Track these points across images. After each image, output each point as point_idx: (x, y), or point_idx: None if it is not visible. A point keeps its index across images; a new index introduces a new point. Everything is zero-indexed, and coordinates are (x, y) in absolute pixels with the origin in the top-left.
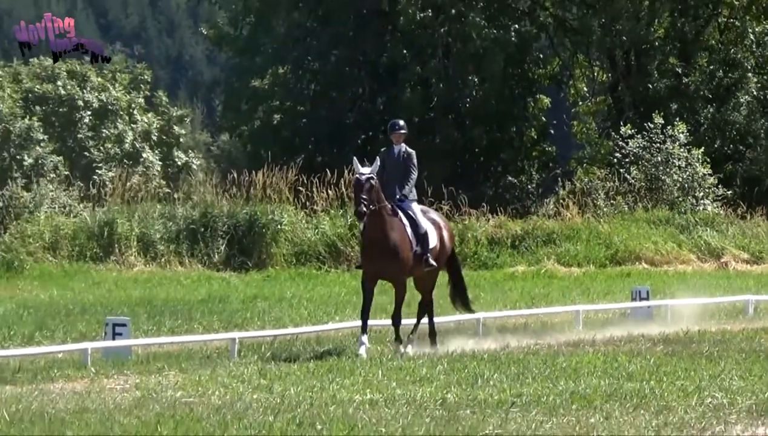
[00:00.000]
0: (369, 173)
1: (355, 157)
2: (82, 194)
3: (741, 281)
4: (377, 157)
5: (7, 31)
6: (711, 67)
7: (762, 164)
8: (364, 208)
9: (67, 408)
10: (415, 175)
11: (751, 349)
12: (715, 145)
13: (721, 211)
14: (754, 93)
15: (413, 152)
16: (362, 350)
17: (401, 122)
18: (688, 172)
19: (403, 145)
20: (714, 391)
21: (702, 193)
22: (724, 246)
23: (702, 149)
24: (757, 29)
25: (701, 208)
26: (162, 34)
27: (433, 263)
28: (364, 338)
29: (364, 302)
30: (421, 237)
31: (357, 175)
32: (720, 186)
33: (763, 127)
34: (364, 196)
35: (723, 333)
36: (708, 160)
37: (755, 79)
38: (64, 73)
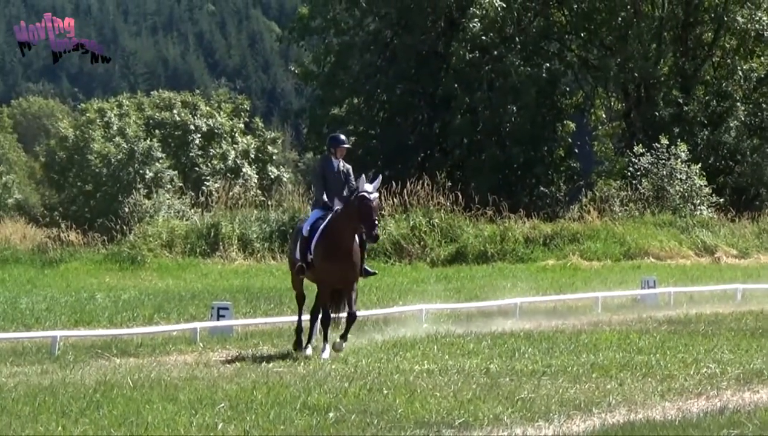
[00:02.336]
0: (376, 193)
1: (363, 175)
2: (192, 202)
3: (731, 272)
4: (379, 175)
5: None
6: (707, 97)
7: (748, 177)
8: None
9: (180, 376)
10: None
11: (739, 328)
12: (710, 162)
13: (715, 216)
14: (742, 118)
15: (350, 167)
16: (309, 351)
17: (344, 137)
18: (687, 184)
19: (342, 159)
20: (708, 362)
21: (699, 201)
22: (717, 244)
23: (699, 165)
24: (744, 67)
25: (698, 213)
26: (258, 71)
27: (373, 271)
28: (309, 349)
29: (324, 310)
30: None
31: (368, 197)
32: (714, 195)
33: (749, 147)
34: (377, 219)
35: (716, 315)
36: (704, 173)
37: (743, 108)
38: (179, 103)
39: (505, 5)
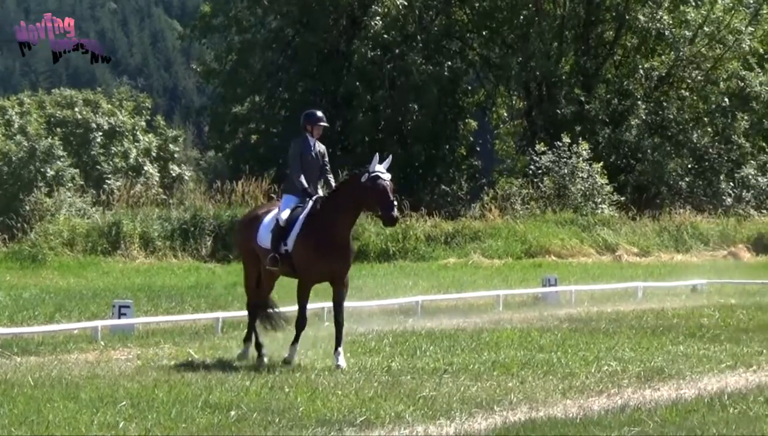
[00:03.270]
0: (389, 174)
1: (377, 154)
2: (94, 200)
3: (632, 270)
4: (389, 155)
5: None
6: (608, 96)
7: (649, 175)
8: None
9: (81, 375)
10: (331, 174)
11: (640, 326)
12: (611, 160)
13: (616, 214)
14: (643, 117)
15: (325, 148)
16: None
17: (320, 113)
18: (589, 182)
19: (317, 140)
20: (610, 360)
21: (600, 199)
22: (618, 242)
23: (600, 163)
24: (645, 65)
25: (599, 211)
26: (160, 69)
27: None
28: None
29: (304, 312)
30: None
31: (382, 177)
32: (615, 193)
33: (650, 145)
34: (395, 200)
35: (617, 313)
36: (605, 172)
37: (643, 106)
38: (80, 101)
39: (406, 3)
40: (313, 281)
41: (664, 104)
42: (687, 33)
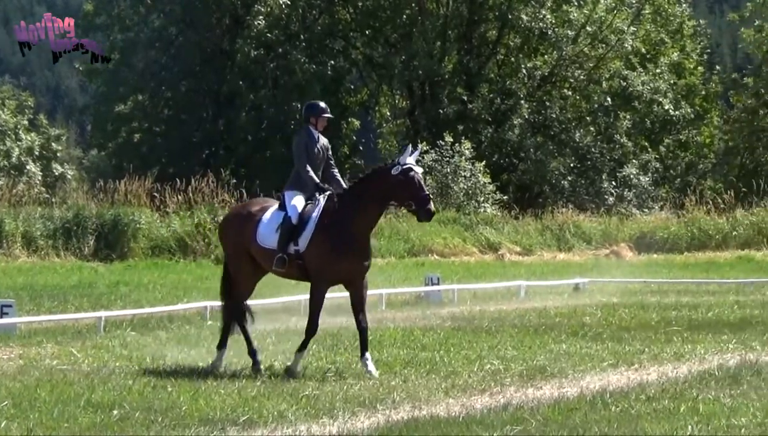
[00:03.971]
0: (420, 167)
1: (410, 145)
2: None
3: (514, 269)
4: (416, 146)
5: None
6: (491, 95)
7: (532, 175)
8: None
9: None
10: (336, 169)
11: (523, 324)
12: (494, 159)
13: (498, 213)
14: (526, 116)
15: (328, 142)
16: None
17: (324, 105)
18: (472, 181)
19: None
20: (492, 359)
21: (483, 198)
22: (501, 241)
23: (483, 162)
24: (528, 65)
25: (482, 210)
26: (43, 68)
27: None
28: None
29: (317, 318)
30: None
31: (415, 169)
32: (497, 192)
33: (533, 145)
34: (429, 192)
35: (500, 312)
36: (488, 171)
37: (526, 106)
38: None
39: (290, 3)
40: (328, 284)
41: (547, 104)
42: (570, 32)
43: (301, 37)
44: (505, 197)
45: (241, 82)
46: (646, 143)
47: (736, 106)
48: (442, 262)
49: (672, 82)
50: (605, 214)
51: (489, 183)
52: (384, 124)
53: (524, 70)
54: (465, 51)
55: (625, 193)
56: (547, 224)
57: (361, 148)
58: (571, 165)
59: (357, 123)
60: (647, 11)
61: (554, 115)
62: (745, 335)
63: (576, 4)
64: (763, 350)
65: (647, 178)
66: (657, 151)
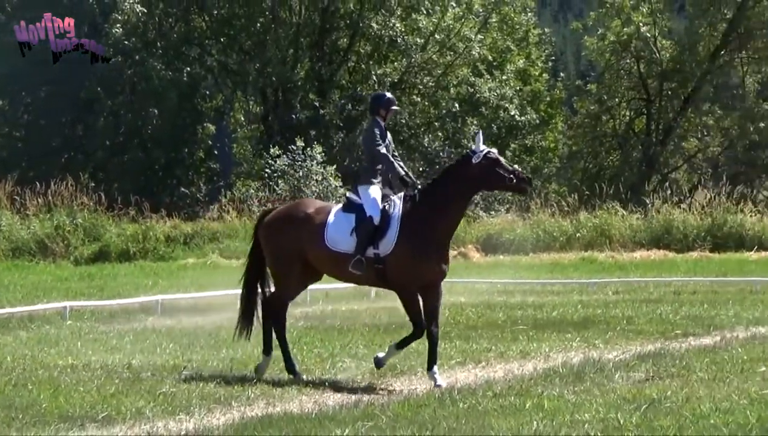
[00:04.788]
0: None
1: (480, 132)
2: None
3: None
4: (479, 130)
5: None
6: (342, 101)
7: None
8: None
9: None
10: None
11: (374, 323)
12: (345, 163)
13: None
14: None
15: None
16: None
17: (391, 95)
18: (323, 185)
19: None
20: (344, 357)
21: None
22: None
23: (335, 166)
24: (378, 71)
25: None
26: None
27: None
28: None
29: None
30: None
31: (492, 150)
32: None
33: None
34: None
35: (351, 311)
36: (339, 175)
37: None
38: None
39: (146, 11)
40: (416, 288)
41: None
42: (419, 40)
43: (158, 44)
44: None
45: (99, 89)
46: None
47: (579, 112)
48: None
49: (518, 88)
50: None
51: (340, 186)
52: (238, 129)
53: (374, 77)
54: (317, 58)
55: None
56: None
57: (216, 152)
58: (420, 169)
59: (212, 128)
60: (494, 20)
61: (403, 121)
62: (588, 334)
63: (425, 12)
64: (605, 347)
65: None
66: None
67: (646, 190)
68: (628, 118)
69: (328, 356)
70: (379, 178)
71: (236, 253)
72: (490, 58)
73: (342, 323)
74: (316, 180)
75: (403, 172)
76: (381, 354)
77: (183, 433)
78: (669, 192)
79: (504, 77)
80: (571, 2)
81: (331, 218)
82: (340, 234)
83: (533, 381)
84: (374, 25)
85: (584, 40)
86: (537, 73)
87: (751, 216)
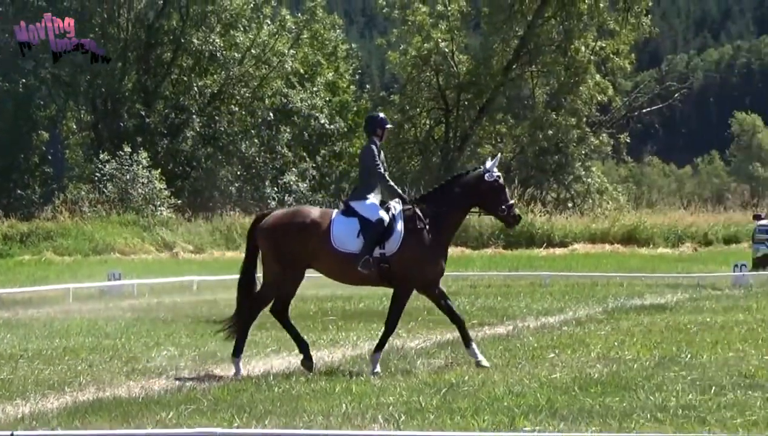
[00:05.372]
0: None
1: (499, 154)
2: None
3: (188, 266)
4: (498, 154)
5: None
6: (166, 110)
7: (203, 181)
8: None
9: None
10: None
11: (196, 315)
12: (169, 168)
13: (173, 215)
14: (198, 129)
15: None
16: None
17: (384, 115)
18: (149, 187)
19: None
20: (169, 346)
21: (159, 202)
22: (175, 241)
23: (159, 170)
24: (199, 83)
25: (159, 213)
26: None
27: None
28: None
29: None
30: None
31: (499, 177)
32: (172, 197)
33: (204, 154)
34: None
35: (175, 304)
36: (164, 178)
37: (198, 120)
38: None
39: None
40: (414, 288)
41: (216, 118)
42: (237, 55)
43: None
44: (179, 202)
45: None
46: (305, 154)
47: None
48: (123, 259)
49: (327, 99)
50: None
51: (164, 189)
52: (71, 136)
53: (196, 88)
54: (143, 71)
55: (285, 197)
56: (216, 226)
57: (50, 157)
58: (238, 173)
59: (46, 135)
60: (305, 36)
61: (223, 129)
62: None
63: (242, 29)
64: (407, 336)
65: (305, 185)
66: (314, 160)
67: None
68: (428, 126)
69: (154, 344)
70: (374, 194)
71: (68, 250)
72: (301, 71)
73: (166, 314)
74: (142, 183)
75: (400, 191)
76: (370, 367)
77: (20, 416)
78: None
79: (315, 89)
80: (376, 20)
81: (334, 222)
82: (346, 236)
83: (342, 367)
84: (195, 40)
85: (388, 55)
86: (345, 85)
87: (540, 216)
